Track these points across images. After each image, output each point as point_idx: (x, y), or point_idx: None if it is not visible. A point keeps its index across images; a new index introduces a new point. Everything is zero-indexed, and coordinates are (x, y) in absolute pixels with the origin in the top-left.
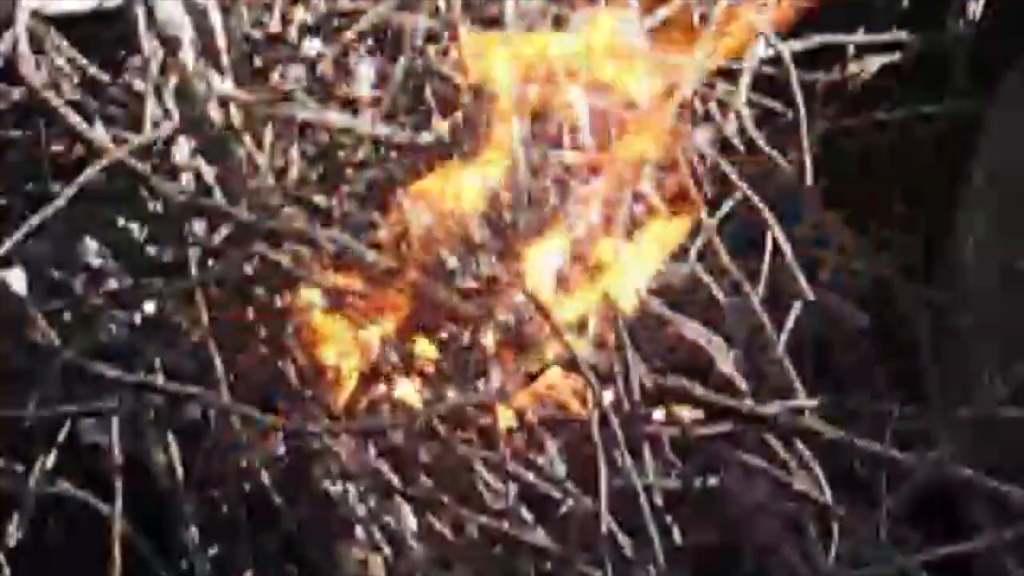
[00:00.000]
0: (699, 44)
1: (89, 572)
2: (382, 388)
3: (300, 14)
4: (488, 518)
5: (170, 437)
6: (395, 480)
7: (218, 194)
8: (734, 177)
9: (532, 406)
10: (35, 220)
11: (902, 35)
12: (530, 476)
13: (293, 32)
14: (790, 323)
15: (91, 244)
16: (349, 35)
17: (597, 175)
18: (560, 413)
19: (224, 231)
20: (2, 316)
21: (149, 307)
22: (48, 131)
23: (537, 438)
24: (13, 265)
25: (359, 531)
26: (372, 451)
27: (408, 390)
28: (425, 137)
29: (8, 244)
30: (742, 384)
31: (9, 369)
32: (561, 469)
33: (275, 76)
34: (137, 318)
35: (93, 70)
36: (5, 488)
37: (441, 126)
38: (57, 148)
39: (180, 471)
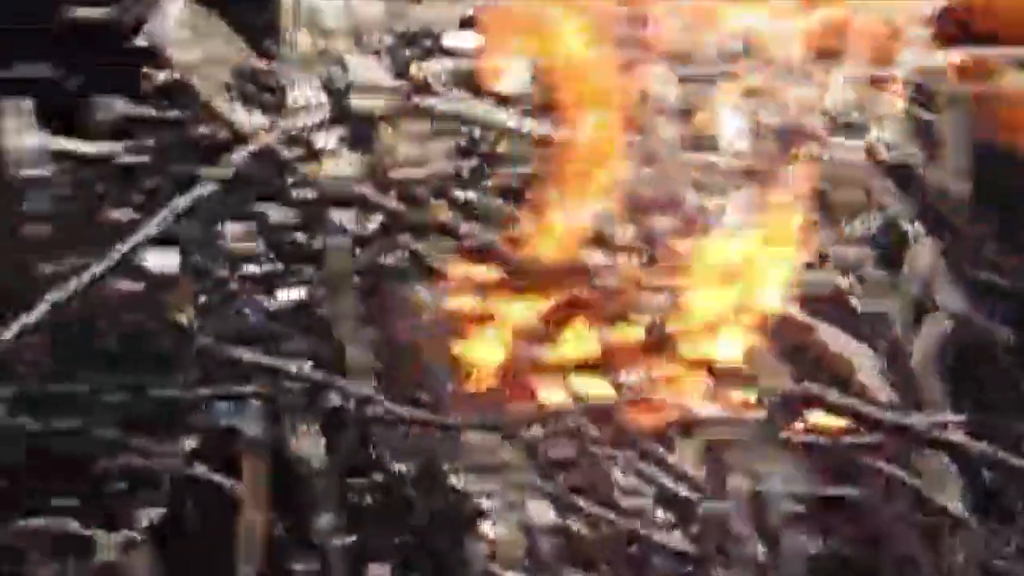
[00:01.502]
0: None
1: (223, 554)
2: (521, 383)
3: (454, 8)
4: (623, 517)
5: (309, 424)
6: (530, 476)
7: (364, 183)
8: (881, 187)
9: (670, 406)
10: (183, 203)
11: None
12: (666, 477)
13: (445, 25)
14: (934, 335)
15: (235, 227)
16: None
17: (746, 178)
18: (698, 415)
19: (371, 221)
20: (149, 297)
21: (294, 293)
22: (197, 114)
23: (674, 439)
24: (163, 247)
25: (491, 525)
26: (508, 445)
27: (545, 385)
28: (569, 133)
29: (157, 225)
30: (883, 395)
31: (153, 350)
32: (697, 471)
33: (424, 67)
34: (280, 304)
35: (244, 54)
36: (145, 468)
37: (586, 123)
38: (205, 131)
39: (318, 458)
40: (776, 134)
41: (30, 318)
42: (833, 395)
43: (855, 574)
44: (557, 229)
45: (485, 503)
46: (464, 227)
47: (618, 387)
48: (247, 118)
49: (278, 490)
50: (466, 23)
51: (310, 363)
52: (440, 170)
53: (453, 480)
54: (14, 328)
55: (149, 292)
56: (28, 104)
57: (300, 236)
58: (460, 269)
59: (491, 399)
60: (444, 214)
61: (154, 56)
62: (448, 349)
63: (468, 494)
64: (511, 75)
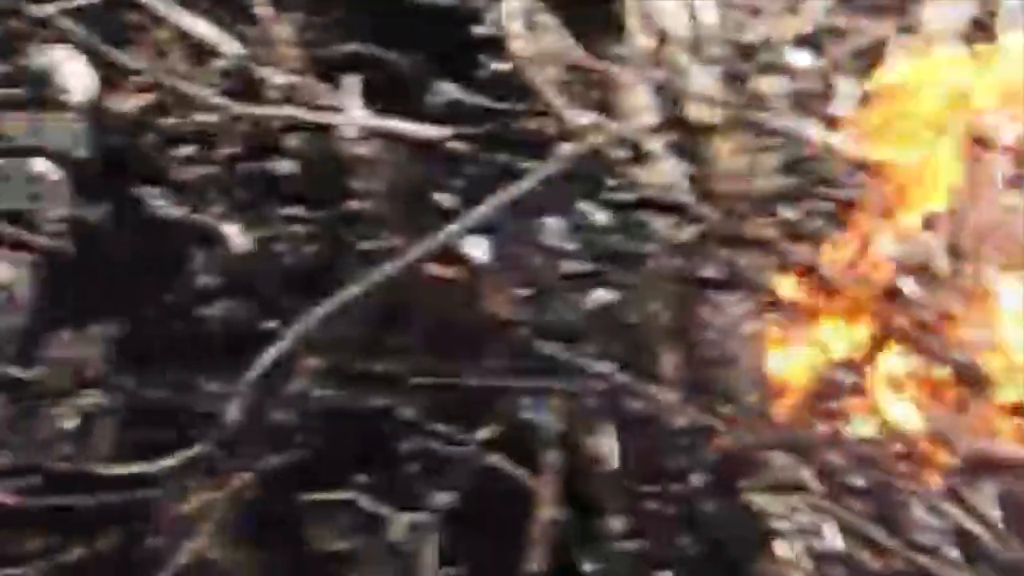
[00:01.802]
0: None
1: (510, 545)
2: (828, 406)
3: (792, 25)
4: (915, 551)
5: (609, 426)
6: (825, 500)
7: (687, 193)
8: None
9: (976, 445)
10: (507, 195)
11: None
12: (962, 515)
13: (782, 42)
14: None
15: (554, 222)
16: (838, 52)
17: None
18: (1002, 455)
19: (689, 230)
20: (461, 285)
21: (606, 295)
22: (529, 107)
23: (976, 478)
24: (478, 235)
25: (782, 545)
26: (807, 468)
27: (852, 410)
28: (899, 159)
29: (481, 214)
30: None
31: (461, 336)
32: (996, 513)
33: (758, 83)
34: (590, 303)
35: (578, 53)
36: (442, 453)
37: (913, 151)
38: (534, 125)
39: (615, 460)
40: None
41: (346, 295)
42: None
43: None
44: (876, 255)
45: (779, 523)
46: (784, 245)
47: (926, 420)
48: (578, 115)
49: (570, 488)
50: (802, 41)
51: (616, 365)
52: (764, 186)
53: (749, 497)
54: (331, 303)
55: (466, 280)
56: (356, 81)
57: (617, 238)
58: (778, 286)
59: (795, 419)
60: (765, 230)
61: (492, 46)
62: (757, 365)
63: (763, 513)
64: (841, 96)
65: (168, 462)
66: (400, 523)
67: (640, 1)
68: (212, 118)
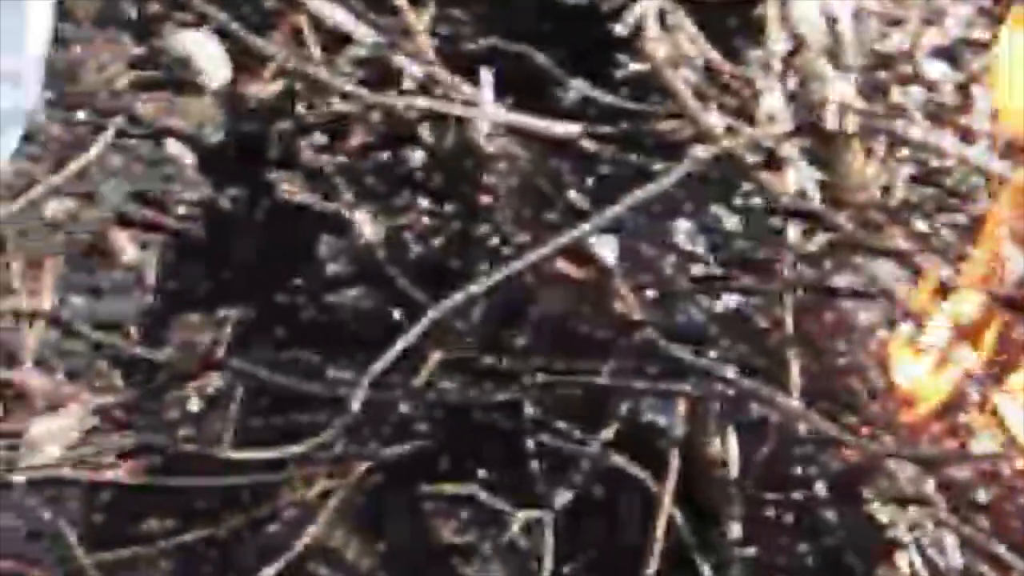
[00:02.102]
0: None
1: (629, 545)
2: (955, 419)
3: (931, 35)
4: None
5: (732, 431)
6: (948, 514)
7: (820, 200)
8: None
9: None
10: (639, 195)
11: None
12: None
13: (919, 52)
14: None
15: (684, 224)
16: (976, 64)
17: None
18: None
19: (821, 237)
20: (589, 284)
21: (732, 299)
22: (664, 108)
23: None
24: (608, 234)
25: (903, 558)
26: (931, 480)
27: (980, 425)
28: None
29: (609, 215)
30: None
31: (587, 336)
32: None
33: (895, 92)
34: (718, 307)
35: (713, 55)
36: (564, 452)
37: None
38: (668, 127)
39: (735, 466)
40: None
41: (474, 289)
42: None
43: None
44: (1009, 271)
45: (901, 535)
46: (917, 256)
47: None
48: (713, 119)
49: (690, 492)
50: (940, 52)
51: (741, 370)
52: (898, 196)
53: (872, 508)
54: (458, 296)
55: (595, 279)
56: (492, 75)
57: (747, 243)
58: (909, 297)
59: (922, 431)
60: (898, 241)
61: (630, 45)
62: (886, 375)
63: (885, 524)
64: (978, 109)
65: (292, 448)
66: (519, 520)
67: (780, 6)
68: (346, 106)
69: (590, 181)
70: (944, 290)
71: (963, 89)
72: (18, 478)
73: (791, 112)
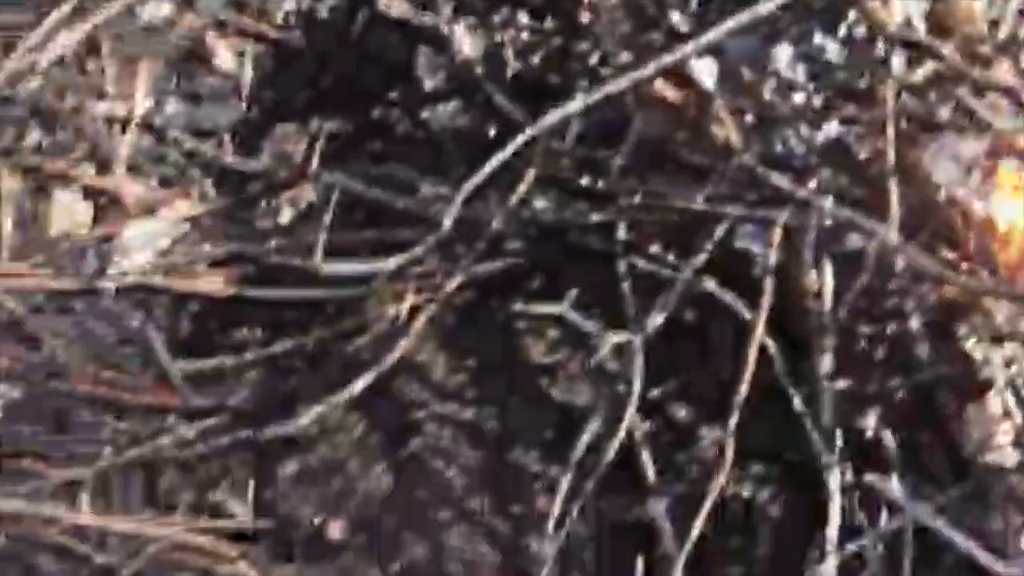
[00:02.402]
0: None
1: (719, 371)
2: None
3: None
4: None
5: (827, 261)
6: None
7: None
8: None
9: None
10: (739, 19)
11: None
12: None
13: None
14: None
15: (785, 51)
16: None
17: None
18: None
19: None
20: (689, 106)
21: (832, 128)
22: None
23: None
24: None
25: (995, 397)
26: None
27: None
28: None
29: (710, 36)
30: None
31: (684, 160)
32: None
33: None
34: (819, 136)
35: None
36: (653, 275)
37: None
38: None
39: (829, 297)
40: None
41: (570, 107)
42: None
43: None
44: None
45: (996, 373)
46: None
47: None
48: None
49: (783, 322)
50: None
51: (840, 200)
52: (1007, 31)
53: (967, 345)
54: (555, 115)
55: (694, 102)
56: None
57: (850, 73)
58: (1013, 132)
59: (1018, 268)
60: (1005, 75)
61: None
62: (986, 211)
63: (979, 361)
64: None
65: (383, 263)
66: (609, 342)
67: None
68: None
69: (693, 2)
70: None
71: None
72: (108, 284)
73: None
